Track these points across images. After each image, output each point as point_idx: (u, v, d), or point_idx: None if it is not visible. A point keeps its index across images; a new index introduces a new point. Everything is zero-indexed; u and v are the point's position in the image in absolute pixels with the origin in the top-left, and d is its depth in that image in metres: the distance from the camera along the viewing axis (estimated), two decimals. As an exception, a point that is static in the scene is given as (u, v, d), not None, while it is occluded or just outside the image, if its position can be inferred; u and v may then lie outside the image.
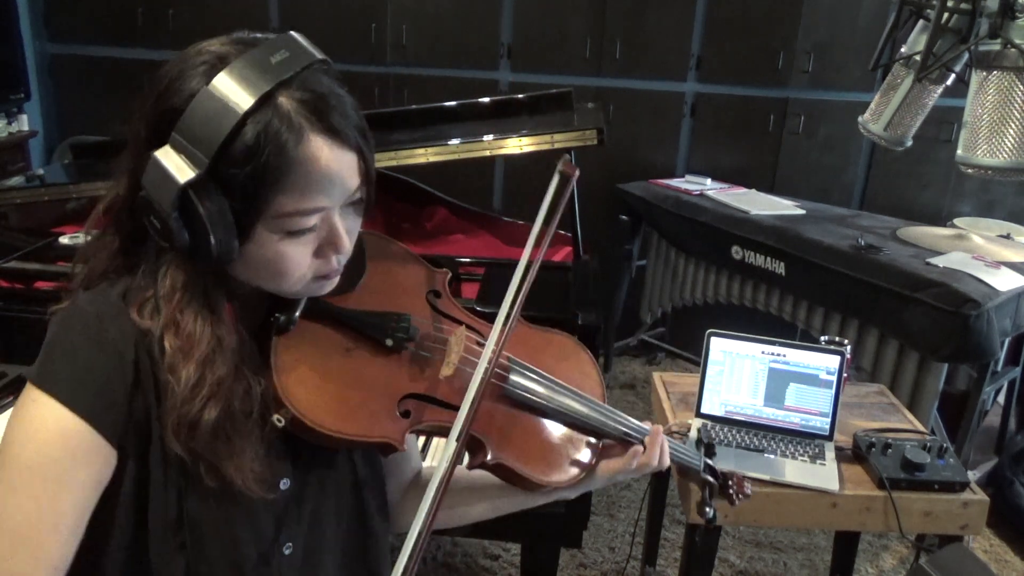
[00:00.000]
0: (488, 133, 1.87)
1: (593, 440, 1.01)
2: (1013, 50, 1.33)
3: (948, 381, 2.62)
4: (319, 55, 0.77)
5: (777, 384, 1.76)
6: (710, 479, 1.17)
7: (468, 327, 0.96)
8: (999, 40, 1.36)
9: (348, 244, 0.82)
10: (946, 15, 1.53)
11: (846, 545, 2.24)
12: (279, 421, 0.80)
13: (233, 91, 0.71)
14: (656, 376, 2.05)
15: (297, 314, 0.84)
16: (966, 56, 1.54)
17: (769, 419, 1.77)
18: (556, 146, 1.86)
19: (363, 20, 3.83)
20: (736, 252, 3.13)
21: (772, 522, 1.64)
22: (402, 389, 0.88)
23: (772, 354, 1.76)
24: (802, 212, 3.22)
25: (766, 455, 1.67)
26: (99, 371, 0.76)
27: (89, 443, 0.75)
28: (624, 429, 1.02)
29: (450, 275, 1.01)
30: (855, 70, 3.69)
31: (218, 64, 0.73)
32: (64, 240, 1.88)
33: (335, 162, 0.76)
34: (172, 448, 0.77)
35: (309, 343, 0.85)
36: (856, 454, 1.70)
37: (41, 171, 2.27)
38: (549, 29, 3.80)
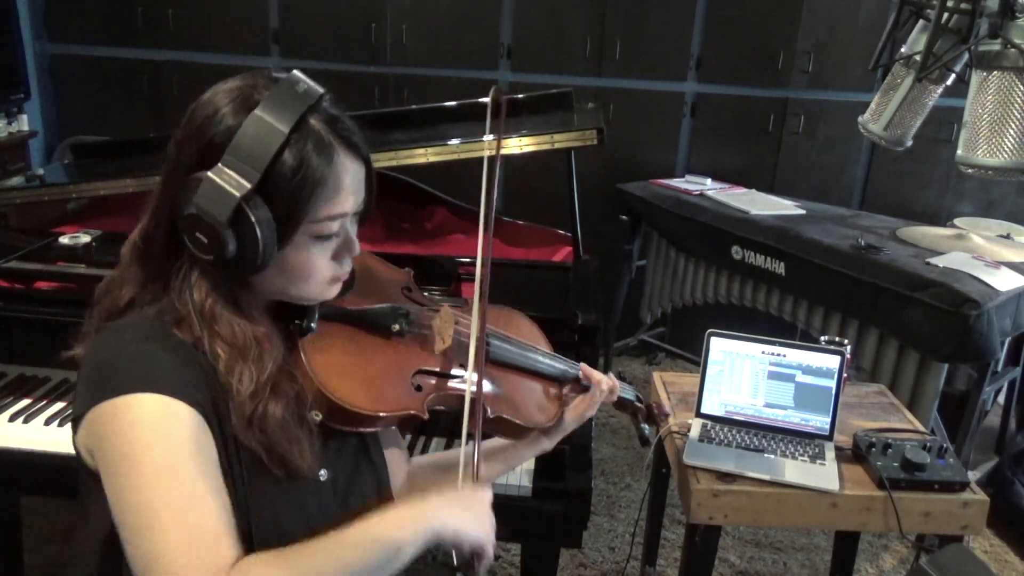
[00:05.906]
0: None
1: (556, 386, 1.21)
2: (1013, 50, 1.33)
3: (948, 381, 2.62)
4: (322, 89, 0.90)
5: (777, 384, 1.76)
6: (640, 406, 1.39)
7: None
8: (999, 40, 1.36)
9: (358, 248, 0.94)
10: (946, 15, 1.53)
11: (846, 545, 2.24)
12: (316, 416, 0.90)
13: (276, 115, 0.84)
14: (656, 376, 2.05)
15: (316, 317, 0.94)
16: (966, 56, 1.54)
17: (769, 419, 1.77)
18: (556, 146, 1.86)
19: (363, 20, 3.83)
20: (736, 252, 3.13)
21: (772, 522, 1.65)
22: (412, 367, 1.02)
23: (772, 354, 1.76)
24: (802, 212, 3.22)
25: (766, 455, 1.67)
26: (177, 365, 0.84)
27: (198, 422, 0.83)
28: (575, 372, 1.22)
29: (412, 272, 1.17)
30: (855, 70, 3.69)
31: (251, 95, 0.85)
32: (64, 240, 1.87)
33: (355, 173, 0.90)
34: (246, 442, 0.86)
35: (329, 342, 0.95)
36: (856, 454, 1.70)
37: (41, 171, 2.26)
38: (549, 29, 3.80)
